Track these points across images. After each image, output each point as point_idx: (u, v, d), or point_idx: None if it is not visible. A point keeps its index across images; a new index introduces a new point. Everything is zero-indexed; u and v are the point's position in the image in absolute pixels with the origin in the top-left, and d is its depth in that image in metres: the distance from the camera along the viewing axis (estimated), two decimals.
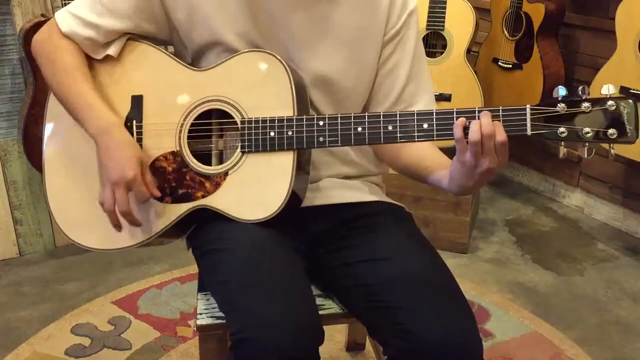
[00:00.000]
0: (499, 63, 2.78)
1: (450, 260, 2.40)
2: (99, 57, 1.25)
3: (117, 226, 1.19)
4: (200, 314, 1.24)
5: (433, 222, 2.51)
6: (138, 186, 1.16)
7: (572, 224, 2.83)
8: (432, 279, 1.14)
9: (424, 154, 1.26)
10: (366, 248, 1.21)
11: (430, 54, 2.54)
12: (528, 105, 1.06)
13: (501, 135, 1.04)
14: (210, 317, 1.23)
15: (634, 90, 2.24)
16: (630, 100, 1.02)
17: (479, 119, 1.05)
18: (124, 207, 1.16)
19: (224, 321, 1.18)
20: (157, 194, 1.19)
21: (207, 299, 1.27)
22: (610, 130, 1.02)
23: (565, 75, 2.71)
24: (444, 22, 2.47)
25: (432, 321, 1.07)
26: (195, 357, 1.88)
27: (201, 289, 1.30)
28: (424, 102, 1.31)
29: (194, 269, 2.23)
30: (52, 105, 1.28)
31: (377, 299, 1.14)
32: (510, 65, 2.74)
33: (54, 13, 2.17)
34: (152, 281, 2.26)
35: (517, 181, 3.22)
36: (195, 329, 1.25)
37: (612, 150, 1.05)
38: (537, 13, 2.59)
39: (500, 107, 1.07)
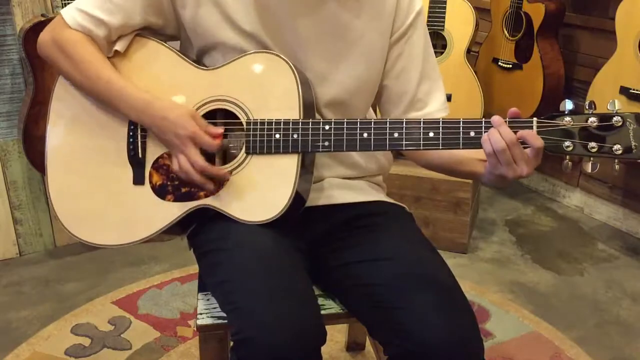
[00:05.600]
0: (499, 63, 2.78)
1: (450, 260, 2.40)
2: (110, 54, 1.24)
3: (209, 187, 1.17)
4: (201, 314, 1.24)
5: (433, 222, 2.51)
6: (201, 139, 1.14)
7: (572, 224, 2.83)
8: (432, 279, 1.14)
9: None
10: (367, 248, 1.21)
11: None
12: (535, 119, 1.06)
13: (538, 142, 1.04)
14: (211, 317, 1.23)
15: (633, 90, 2.24)
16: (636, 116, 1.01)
17: (486, 129, 1.06)
18: (200, 164, 1.14)
19: (225, 321, 1.18)
20: (220, 133, 1.17)
21: (207, 299, 1.27)
22: (616, 146, 1.02)
23: (565, 75, 2.71)
24: (444, 22, 2.47)
25: (432, 321, 1.07)
26: (195, 357, 1.88)
27: (201, 289, 1.30)
28: (438, 102, 1.31)
29: (194, 269, 2.24)
30: (56, 102, 1.27)
31: (377, 299, 1.14)
32: (510, 65, 2.74)
33: (54, 13, 2.18)
34: (152, 281, 2.26)
35: (517, 181, 3.22)
36: (195, 329, 1.25)
37: (616, 165, 1.05)
38: (537, 13, 2.59)
39: (507, 119, 1.06)
